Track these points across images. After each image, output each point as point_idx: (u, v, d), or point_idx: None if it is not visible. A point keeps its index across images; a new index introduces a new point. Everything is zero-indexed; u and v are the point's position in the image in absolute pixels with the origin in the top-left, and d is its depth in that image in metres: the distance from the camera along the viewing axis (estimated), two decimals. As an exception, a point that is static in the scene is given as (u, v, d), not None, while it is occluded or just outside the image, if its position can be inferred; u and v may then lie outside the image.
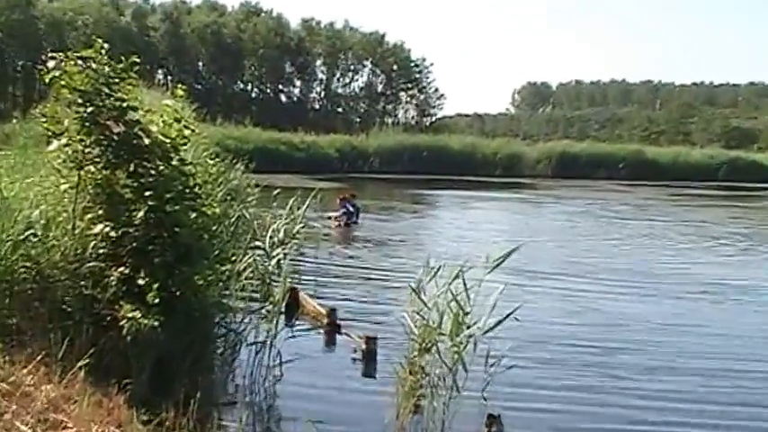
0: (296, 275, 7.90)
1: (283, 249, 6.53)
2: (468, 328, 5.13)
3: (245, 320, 5.71)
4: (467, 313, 5.12)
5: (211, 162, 9.56)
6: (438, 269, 5.82)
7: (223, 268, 5.24)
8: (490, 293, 5.28)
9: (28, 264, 4.52)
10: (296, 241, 7.66)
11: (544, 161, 42.53)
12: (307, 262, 10.72)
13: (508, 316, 5.23)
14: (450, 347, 5.19)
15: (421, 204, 23.59)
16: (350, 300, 8.71)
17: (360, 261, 11.44)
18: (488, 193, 29.34)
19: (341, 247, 12.89)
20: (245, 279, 5.89)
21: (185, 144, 5.03)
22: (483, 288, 5.25)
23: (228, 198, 9.61)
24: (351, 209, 15.96)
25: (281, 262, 6.33)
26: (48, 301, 4.46)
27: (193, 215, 4.82)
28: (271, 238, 6.55)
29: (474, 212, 21.26)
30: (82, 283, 4.49)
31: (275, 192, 11.94)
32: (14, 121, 14.14)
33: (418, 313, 5.64)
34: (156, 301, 4.33)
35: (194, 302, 4.70)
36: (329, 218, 15.31)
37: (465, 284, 5.15)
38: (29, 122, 10.45)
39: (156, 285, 4.34)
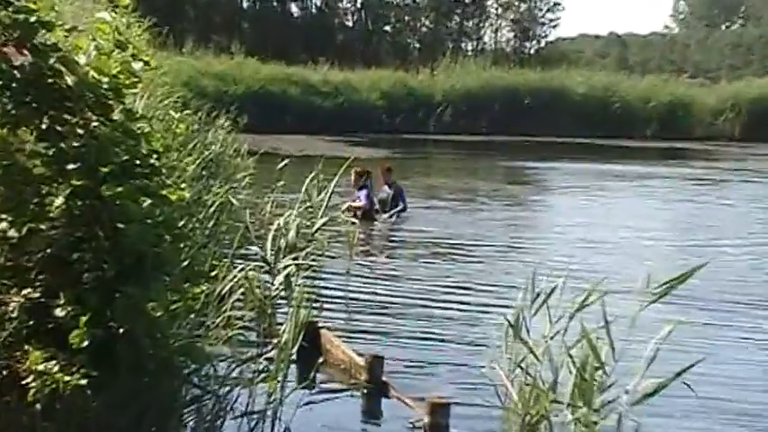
0: (317, 302, 7.86)
1: (296, 259, 6.49)
2: (603, 391, 5.01)
3: (234, 376, 5.70)
4: (602, 368, 4.98)
5: (177, 116, 9.61)
6: (551, 293, 5.70)
7: (196, 290, 5.21)
8: (643, 337, 5.12)
9: None
10: (315, 246, 7.63)
11: (728, 113, 41.89)
12: (334, 280, 10.69)
13: (677, 377, 5.08)
14: (573, 423, 5.11)
15: (521, 185, 23.44)
16: (403, 342, 8.68)
17: (418, 279, 11.37)
18: (634, 167, 29.00)
19: (386, 257, 12.84)
20: (234, 308, 5.86)
21: (134, 86, 5.00)
22: (629, 327, 5.09)
23: (205, 175, 9.65)
24: (388, 191, 15.85)
25: (292, 280, 6.30)
26: None
27: (147, 202, 4.79)
28: (275, 240, 6.52)
29: (610, 199, 21.02)
30: (-37, 314, 4.49)
31: (281, 164, 11.99)
32: None
33: (519, 365, 5.54)
34: (85, 343, 4.29)
35: (148, 346, 4.67)
36: (347, 209, 14.94)
37: (606, 319, 5.00)
38: None
39: (84, 318, 4.31)
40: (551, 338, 5.35)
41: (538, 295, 5.73)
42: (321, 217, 7.43)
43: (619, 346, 5.08)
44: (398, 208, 15.81)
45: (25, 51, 4.64)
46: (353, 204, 15.25)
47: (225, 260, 6.81)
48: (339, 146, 29.47)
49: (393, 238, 14.56)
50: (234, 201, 8.94)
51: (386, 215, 15.67)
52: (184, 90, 19.38)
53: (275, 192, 11.06)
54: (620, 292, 5.38)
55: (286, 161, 11.99)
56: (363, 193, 15.51)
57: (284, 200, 10.63)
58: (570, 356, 5.11)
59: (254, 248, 6.61)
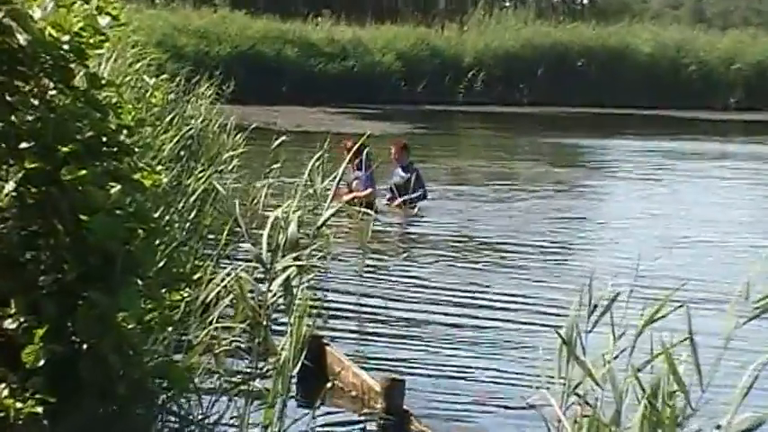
0: (322, 313, 7.86)
1: (297, 260, 6.49)
2: (682, 425, 4.99)
3: (221, 402, 5.72)
4: (683, 395, 4.95)
5: (151, 82, 9.63)
6: (612, 301, 5.68)
7: (176, 297, 5.24)
8: (733, 360, 5.09)
9: None
10: (321, 244, 7.62)
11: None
12: (342, 286, 10.71)
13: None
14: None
15: (571, 167, 23.41)
16: (428, 362, 8.73)
17: (445, 285, 11.39)
18: (714, 145, 28.96)
19: (405, 258, 12.83)
20: (221, 320, 5.89)
21: (100, 46, 5.01)
22: (723, 347, 5.06)
23: (185, 155, 9.66)
24: (403, 174, 15.63)
25: (293, 286, 6.30)
26: None
27: (115, 188, 4.81)
28: (271, 236, 6.52)
29: (685, 185, 21.00)
30: None
31: (277, 141, 11.97)
32: None
33: (574, 392, 5.53)
34: (41, 362, 4.31)
35: (117, 365, 4.69)
36: (350, 201, 13.78)
37: (692, 335, 4.97)
38: None
39: (40, 332, 4.33)
40: (614, 358, 5.32)
41: (596, 305, 5.70)
42: (327, 208, 7.39)
43: (707, 371, 5.03)
44: (416, 194, 15.62)
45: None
46: (359, 194, 14.77)
47: (210, 260, 6.82)
48: (346, 120, 29.48)
49: (413, 235, 14.55)
50: (220, 187, 8.95)
51: (395, 202, 15.56)
52: (158, 50, 19.43)
53: (270, 176, 11.05)
54: (703, 303, 5.35)
55: (282, 138, 11.96)
56: (362, 175, 14.98)
57: (281, 186, 10.63)
58: (638, 381, 5.09)
59: (246, 246, 6.61)
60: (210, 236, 8.01)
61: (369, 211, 13.35)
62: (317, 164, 9.48)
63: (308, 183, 9.05)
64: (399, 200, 15.53)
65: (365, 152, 14.80)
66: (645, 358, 5.23)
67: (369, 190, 15.00)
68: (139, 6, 28.31)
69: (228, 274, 6.21)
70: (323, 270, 9.37)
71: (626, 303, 5.64)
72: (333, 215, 7.19)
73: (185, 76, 15.51)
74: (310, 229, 7.96)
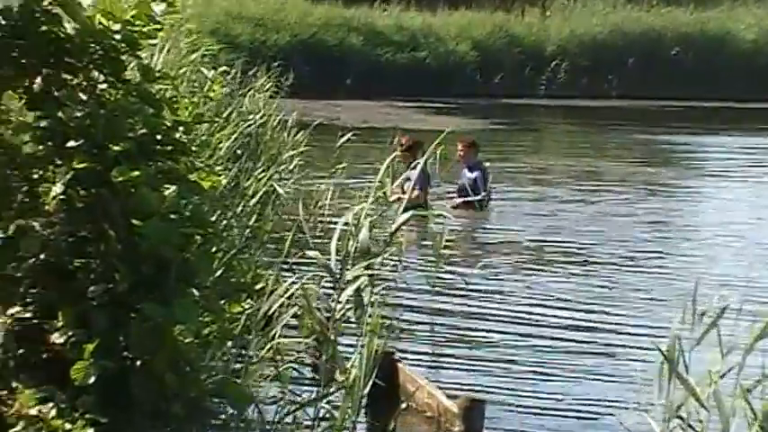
0: (395, 329, 7.85)
1: (368, 270, 6.48)
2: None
3: (286, 424, 5.72)
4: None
5: (209, 75, 9.66)
6: (720, 314, 5.62)
7: (235, 309, 5.25)
8: None
9: None
10: (393, 252, 7.59)
11: None
12: (413, 300, 10.68)
13: None
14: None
15: (666, 167, 23.21)
16: (511, 381, 8.72)
17: (526, 297, 11.32)
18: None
19: (481, 267, 12.74)
20: (284, 334, 5.89)
21: (154, 36, 5.04)
22: None
23: (243, 154, 9.68)
24: (470, 175, 15.44)
25: (364, 297, 6.30)
26: None
27: (170, 189, 4.83)
28: (340, 243, 6.52)
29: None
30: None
31: (343, 139, 12.00)
32: None
33: (676, 413, 5.48)
34: (92, 380, 4.34)
35: (172, 383, 4.71)
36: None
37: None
38: None
39: (89, 346, 4.36)
40: (721, 377, 5.26)
41: (702, 315, 5.63)
42: (400, 214, 7.34)
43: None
44: (477, 197, 15.49)
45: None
46: (405, 197, 14.16)
47: (272, 269, 6.84)
48: (416, 114, 29.44)
49: (489, 242, 14.48)
50: (280, 190, 8.98)
51: (453, 203, 15.45)
52: (212, 40, 19.51)
53: (334, 177, 11.09)
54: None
55: (348, 136, 11.98)
56: (416, 175, 14.67)
57: (347, 188, 10.65)
58: (748, 403, 5.03)
59: (313, 253, 6.60)
60: (271, 243, 8.03)
61: (446, 214, 13.25)
62: (391, 165, 9.48)
63: (379, 186, 9.04)
64: (459, 200, 15.48)
65: (438, 151, 14.66)
66: (755, 378, 5.16)
67: (416, 192, 14.78)
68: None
69: (293, 284, 6.22)
70: (392, 281, 9.34)
71: (734, 317, 5.58)
72: (407, 221, 7.18)
73: (241, 67, 15.57)
74: (380, 235, 7.97)
